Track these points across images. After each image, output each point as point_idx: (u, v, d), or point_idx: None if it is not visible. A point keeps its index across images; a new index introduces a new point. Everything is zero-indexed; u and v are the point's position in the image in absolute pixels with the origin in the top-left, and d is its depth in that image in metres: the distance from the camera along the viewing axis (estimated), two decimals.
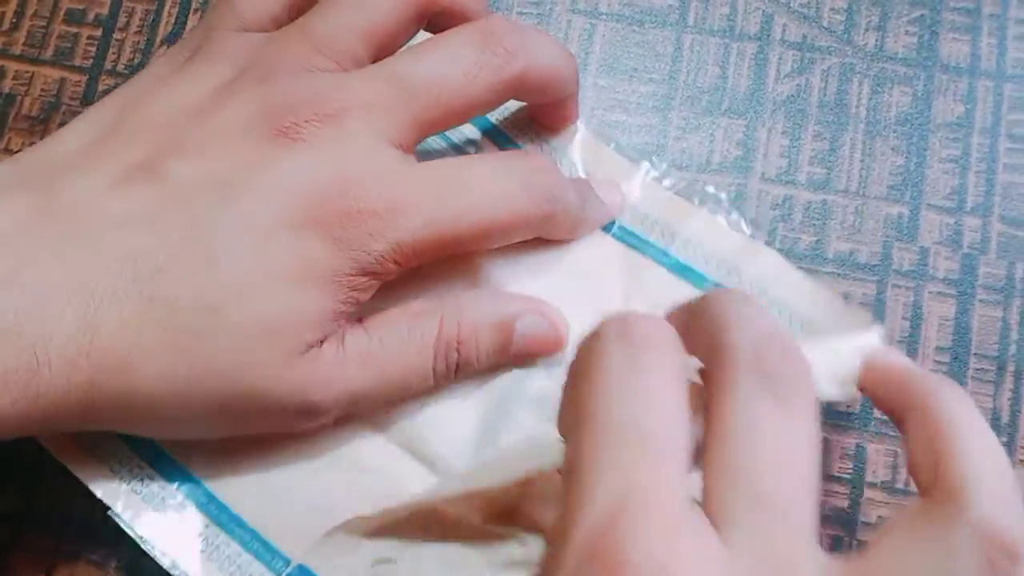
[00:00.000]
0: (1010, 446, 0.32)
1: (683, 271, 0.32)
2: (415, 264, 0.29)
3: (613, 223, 0.33)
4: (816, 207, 0.34)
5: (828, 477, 0.32)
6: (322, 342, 0.28)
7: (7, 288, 0.25)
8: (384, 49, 0.30)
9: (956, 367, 0.33)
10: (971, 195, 0.34)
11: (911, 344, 0.33)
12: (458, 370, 0.30)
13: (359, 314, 0.29)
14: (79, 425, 0.27)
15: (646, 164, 0.33)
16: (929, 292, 0.33)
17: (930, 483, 0.23)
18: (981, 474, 0.22)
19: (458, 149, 0.34)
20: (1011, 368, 0.33)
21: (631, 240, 0.33)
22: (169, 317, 0.26)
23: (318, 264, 0.27)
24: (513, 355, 0.31)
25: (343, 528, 0.29)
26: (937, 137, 0.35)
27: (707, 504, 0.21)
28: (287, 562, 0.30)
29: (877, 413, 0.32)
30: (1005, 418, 0.32)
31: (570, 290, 0.32)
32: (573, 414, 0.22)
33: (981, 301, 0.33)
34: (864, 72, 0.35)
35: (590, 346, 0.23)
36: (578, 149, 0.34)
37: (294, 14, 0.31)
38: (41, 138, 0.35)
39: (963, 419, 0.24)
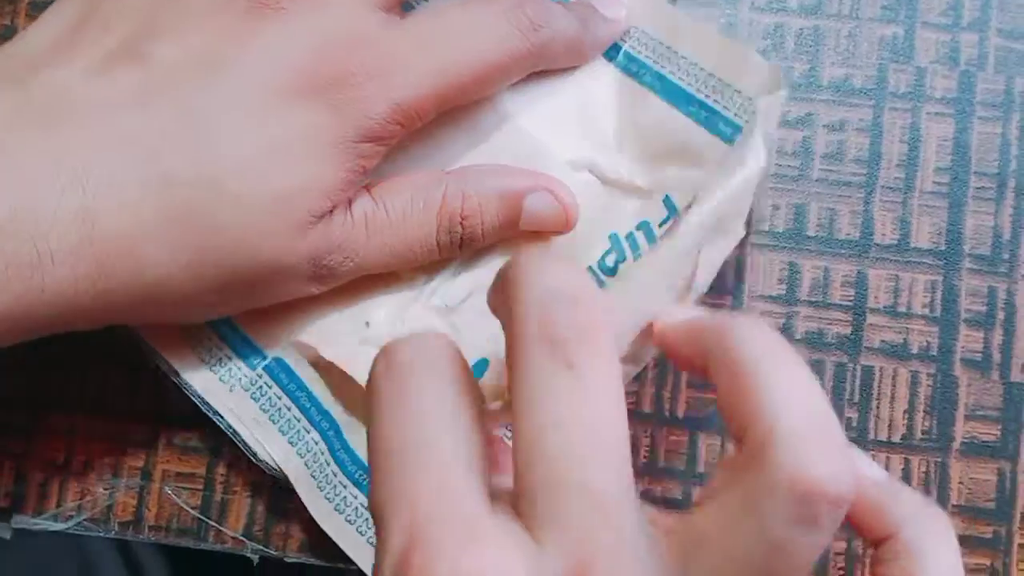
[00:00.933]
0: (1012, 263, 0.32)
1: (676, 96, 0.31)
2: (419, 123, 0.29)
3: (618, 49, 0.32)
4: (808, 33, 0.33)
5: (830, 306, 0.32)
6: (332, 211, 0.28)
7: None
8: None
9: (956, 187, 0.32)
10: (967, 10, 0.33)
11: (910, 167, 0.32)
12: (463, 243, 0.30)
13: (367, 182, 0.29)
14: (91, 320, 0.27)
15: None
16: (927, 113, 0.33)
17: (739, 434, 0.21)
18: (786, 422, 0.20)
19: None
20: (1012, 184, 0.32)
21: (631, 67, 0.32)
22: (169, 196, 0.26)
23: (321, 132, 0.27)
24: (521, 230, 0.31)
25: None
26: None
27: (514, 496, 0.21)
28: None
29: (877, 239, 0.32)
30: (1007, 235, 0.32)
31: (567, 121, 0.32)
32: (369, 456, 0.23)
33: (980, 118, 0.33)
34: None
35: (367, 386, 0.23)
36: None
37: None
38: (11, 20, 0.34)
39: (762, 357, 0.21)
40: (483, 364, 0.29)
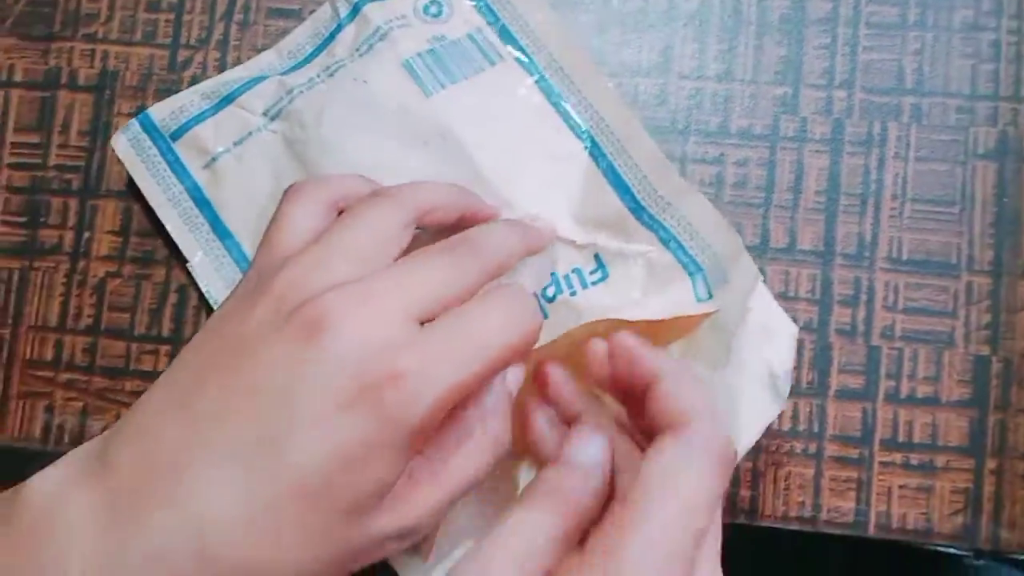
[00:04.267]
0: (871, 259, 0.44)
1: (623, 190, 0.42)
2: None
3: (587, 134, 0.43)
4: (721, 95, 0.45)
5: None
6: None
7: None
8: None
9: (830, 204, 0.44)
10: (839, 73, 0.45)
11: (796, 191, 0.44)
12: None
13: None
14: None
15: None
16: (808, 151, 0.45)
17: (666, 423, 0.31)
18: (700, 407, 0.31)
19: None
20: (871, 201, 0.44)
21: (595, 151, 0.43)
22: (274, 503, 0.29)
23: (374, 438, 0.29)
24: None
25: None
26: (811, 31, 0.45)
27: None
28: None
29: (772, 243, 0.44)
30: (868, 238, 0.44)
31: (534, 184, 0.42)
32: None
33: (848, 153, 0.45)
34: None
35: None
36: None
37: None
38: (142, 105, 0.47)
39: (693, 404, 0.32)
40: None
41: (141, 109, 0.47)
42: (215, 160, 0.45)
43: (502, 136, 0.43)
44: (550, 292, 0.41)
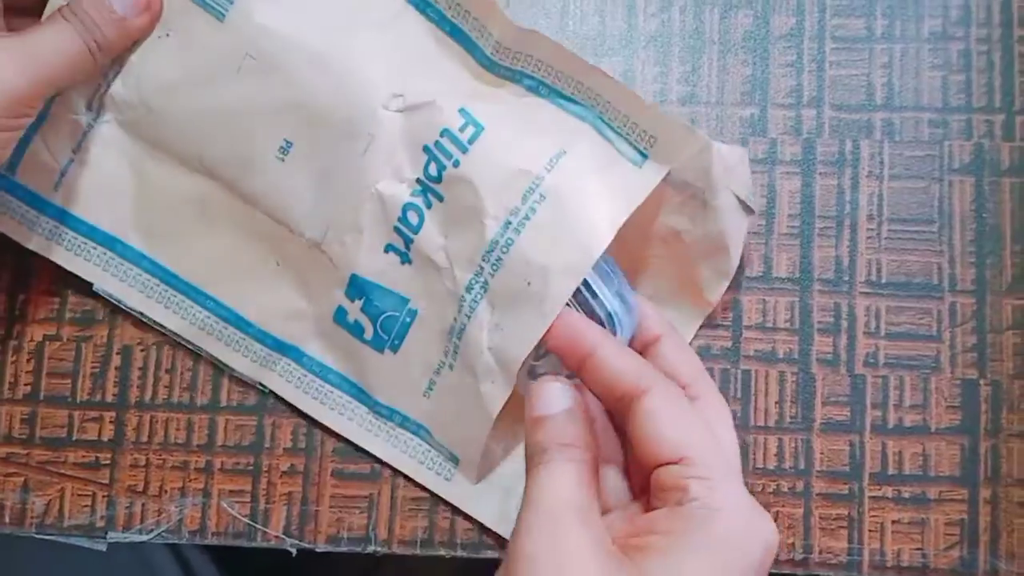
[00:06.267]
0: (851, 283, 0.42)
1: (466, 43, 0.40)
2: None
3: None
4: (686, 117, 0.43)
5: (716, 326, 0.42)
6: None
7: None
8: None
9: (804, 228, 0.42)
10: (807, 91, 0.43)
11: (769, 216, 0.43)
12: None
13: None
14: None
15: None
16: (780, 173, 0.43)
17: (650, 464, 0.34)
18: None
19: None
20: (847, 223, 0.42)
21: (430, 13, 0.40)
22: None
23: None
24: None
25: None
26: (776, 47, 0.44)
27: None
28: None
29: (747, 272, 0.42)
30: (845, 262, 0.42)
31: (392, 59, 0.39)
32: None
33: (821, 174, 0.43)
34: (713, 2, 0.44)
35: None
36: None
37: None
38: None
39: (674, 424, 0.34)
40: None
41: None
42: (63, 175, 0.42)
43: (317, 25, 0.39)
44: (433, 170, 0.38)
